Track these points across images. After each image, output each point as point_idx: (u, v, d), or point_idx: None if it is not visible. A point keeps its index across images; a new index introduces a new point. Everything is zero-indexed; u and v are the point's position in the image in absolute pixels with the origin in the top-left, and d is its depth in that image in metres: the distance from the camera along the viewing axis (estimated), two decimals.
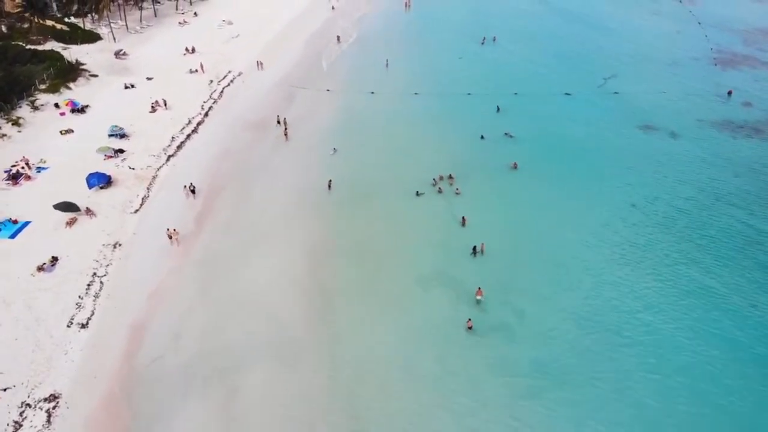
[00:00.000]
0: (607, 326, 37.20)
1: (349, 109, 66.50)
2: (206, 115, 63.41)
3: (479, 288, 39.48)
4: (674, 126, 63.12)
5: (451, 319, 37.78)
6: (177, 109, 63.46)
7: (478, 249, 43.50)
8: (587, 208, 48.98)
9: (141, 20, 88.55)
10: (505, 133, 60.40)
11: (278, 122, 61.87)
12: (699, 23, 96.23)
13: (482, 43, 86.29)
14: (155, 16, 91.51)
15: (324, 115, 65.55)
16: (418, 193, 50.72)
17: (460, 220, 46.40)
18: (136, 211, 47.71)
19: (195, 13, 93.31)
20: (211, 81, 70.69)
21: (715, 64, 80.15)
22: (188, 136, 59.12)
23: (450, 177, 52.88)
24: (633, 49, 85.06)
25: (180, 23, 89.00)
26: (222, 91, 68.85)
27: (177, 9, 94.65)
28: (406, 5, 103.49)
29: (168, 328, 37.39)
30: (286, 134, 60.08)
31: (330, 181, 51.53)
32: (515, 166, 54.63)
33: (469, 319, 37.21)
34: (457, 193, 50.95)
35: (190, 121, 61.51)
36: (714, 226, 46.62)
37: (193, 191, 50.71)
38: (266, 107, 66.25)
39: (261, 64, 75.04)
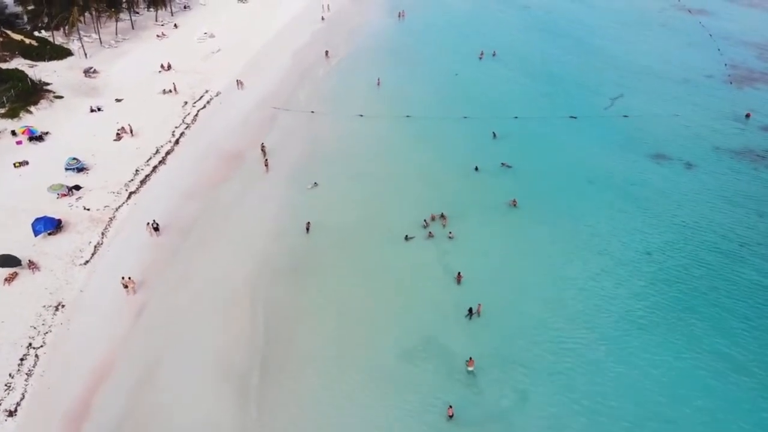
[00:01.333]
0: (625, 415, 31.72)
1: (334, 135, 61.01)
2: (177, 142, 57.85)
3: (470, 358, 34.11)
4: (689, 155, 57.67)
5: (433, 405, 32.26)
6: (145, 137, 57.90)
7: (474, 310, 38.07)
8: (598, 257, 43.57)
9: (116, 33, 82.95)
10: (502, 164, 55.00)
11: (262, 150, 56.44)
12: (710, 35, 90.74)
13: (480, 58, 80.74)
14: (132, 28, 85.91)
15: (307, 141, 60.07)
16: (407, 237, 45.32)
17: (455, 276, 40.83)
18: (87, 262, 42.20)
19: (175, 25, 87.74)
20: (186, 102, 65.14)
21: (730, 82, 74.68)
22: (154, 168, 53.57)
23: (442, 216, 47.54)
24: (641, 64, 79.56)
25: (158, 36, 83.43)
26: (197, 115, 63.28)
27: (156, 20, 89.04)
28: (400, 15, 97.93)
29: (110, 415, 31.92)
30: (266, 164, 54.60)
31: (308, 224, 46.03)
32: (514, 204, 49.26)
33: (450, 406, 31.69)
34: (450, 237, 45.56)
35: (158, 151, 55.96)
36: (740, 282, 41.17)
37: (156, 228, 45.48)
38: (244, 133, 60.72)
39: (241, 83, 69.50)
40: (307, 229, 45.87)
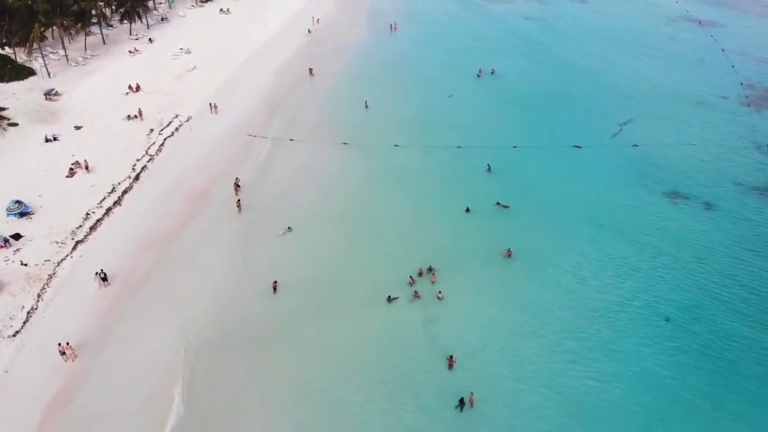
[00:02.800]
0: None
1: (314, 168, 55.10)
2: (137, 178, 51.91)
3: None
4: (708, 193, 51.67)
5: None
6: (101, 172, 51.99)
7: (467, 400, 32.17)
8: (609, 325, 37.57)
9: (86, 49, 77.06)
10: (497, 203, 49.06)
11: (235, 187, 50.54)
12: (723, 50, 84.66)
13: (479, 76, 74.72)
14: (104, 43, 80.00)
15: (284, 175, 54.21)
16: (390, 299, 39.44)
17: (446, 360, 34.73)
18: (17, 333, 36.34)
19: (150, 39, 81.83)
20: (151, 130, 59.21)
21: (748, 105, 68.64)
22: (108, 210, 47.66)
23: (430, 270, 41.68)
24: (651, 84, 73.51)
25: (130, 52, 77.48)
26: (162, 144, 57.32)
27: (131, 34, 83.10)
28: (392, 28, 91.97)
29: None
30: (239, 205, 48.64)
31: (275, 283, 40.06)
32: (509, 254, 43.33)
33: None
34: (439, 298, 39.65)
35: (114, 189, 50.05)
36: None
37: (104, 279, 40.09)
38: (214, 165, 54.81)
39: (215, 106, 63.55)
40: (275, 288, 39.94)
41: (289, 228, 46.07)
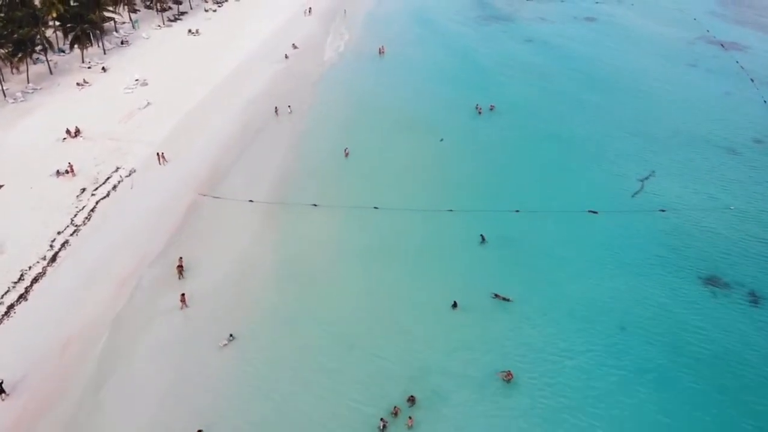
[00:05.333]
0: None
1: (270, 243, 45.45)
2: (53, 259, 42.30)
3: None
4: (753, 280, 41.92)
5: None
6: (11, 252, 42.42)
7: None
8: None
9: (28, 81, 67.54)
10: (495, 295, 39.48)
11: (178, 270, 41.21)
12: (751, 80, 75.06)
13: (479, 113, 65.09)
14: (51, 73, 70.50)
15: (237, 252, 44.44)
16: None
17: None
18: None
19: (103, 68, 72.29)
20: (83, 190, 49.65)
21: None
22: (9, 309, 38.09)
23: (411, 401, 32.17)
24: (672, 125, 63.78)
25: (79, 84, 67.91)
26: (94, 209, 47.74)
27: (83, 61, 73.55)
28: (380, 51, 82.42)
29: None
30: (183, 300, 38.95)
31: (200, 431, 30.49)
32: (509, 377, 33.79)
33: None
34: None
35: (22, 277, 40.49)
36: None
37: (2, 391, 31.85)
38: (154, 238, 45.18)
39: (163, 156, 53.99)
40: None
41: (231, 336, 36.48)
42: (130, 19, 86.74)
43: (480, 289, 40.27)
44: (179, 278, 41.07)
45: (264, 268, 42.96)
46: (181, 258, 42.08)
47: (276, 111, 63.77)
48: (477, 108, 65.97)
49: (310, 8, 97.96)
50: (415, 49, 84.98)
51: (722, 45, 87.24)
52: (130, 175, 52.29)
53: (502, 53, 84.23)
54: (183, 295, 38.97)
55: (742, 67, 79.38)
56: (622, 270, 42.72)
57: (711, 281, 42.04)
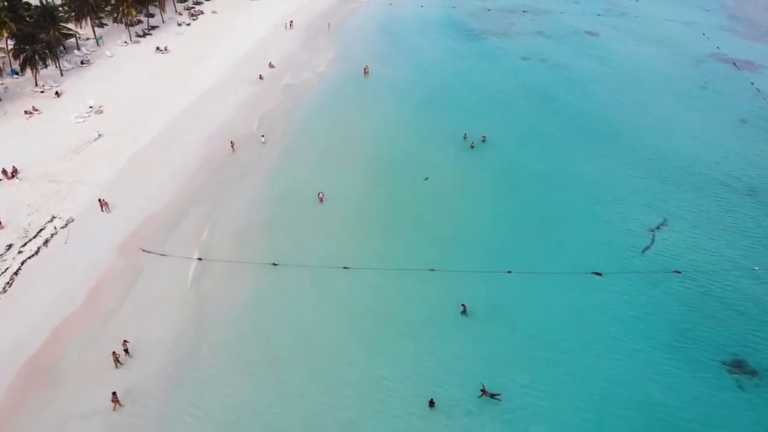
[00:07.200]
0: None
1: (221, 320, 38.56)
2: None
3: None
4: None
5: None
6: None
7: None
8: None
9: None
10: (481, 391, 32.70)
11: (124, 351, 34.89)
12: None
13: (472, 147, 58.36)
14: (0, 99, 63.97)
15: (185, 323, 37.86)
16: None
17: None
18: None
19: (57, 93, 65.54)
20: (9, 246, 42.95)
21: None
22: None
23: None
24: (683, 159, 57.11)
25: (27, 112, 61.18)
26: (17, 272, 40.95)
27: (36, 84, 66.84)
28: (365, 72, 75.81)
29: None
30: (115, 400, 32.08)
31: None
32: None
33: None
34: None
35: None
36: None
37: None
38: (87, 310, 38.46)
39: (105, 204, 47.32)
40: None
41: None
42: (95, 34, 79.99)
43: (463, 381, 33.69)
44: (115, 367, 34.45)
45: (209, 349, 36.28)
46: (125, 342, 35.24)
47: (232, 146, 56.84)
48: (465, 137, 59.47)
49: (291, 22, 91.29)
50: (403, 68, 78.33)
51: (734, 64, 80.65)
52: (66, 225, 45.62)
53: (497, 73, 77.67)
54: (114, 394, 32.19)
55: (757, 89, 72.83)
56: (634, 352, 36.07)
57: (736, 367, 35.42)
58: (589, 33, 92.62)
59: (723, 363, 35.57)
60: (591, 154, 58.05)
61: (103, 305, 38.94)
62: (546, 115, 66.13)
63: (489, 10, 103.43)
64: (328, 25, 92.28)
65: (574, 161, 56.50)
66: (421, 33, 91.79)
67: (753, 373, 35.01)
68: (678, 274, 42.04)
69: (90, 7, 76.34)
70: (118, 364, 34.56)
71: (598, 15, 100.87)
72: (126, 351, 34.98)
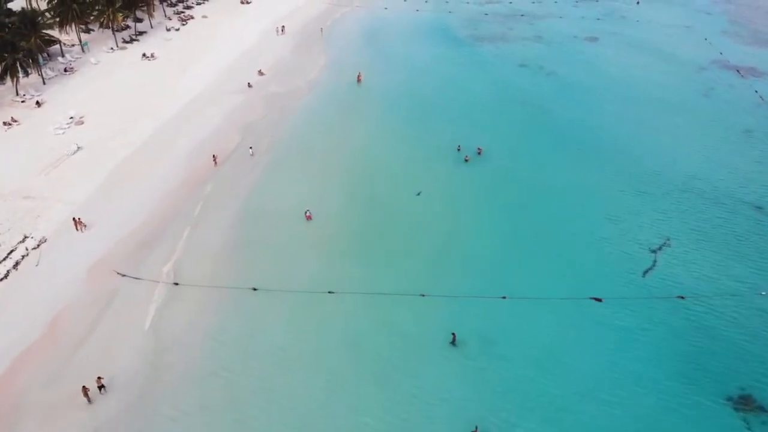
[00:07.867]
0: None
1: (197, 350, 36.27)
2: None
3: None
4: None
5: None
6: None
7: None
8: None
9: None
10: None
11: (99, 387, 32.60)
12: None
13: (466, 161, 56.14)
14: None
15: (151, 366, 35.43)
16: None
17: None
18: None
19: (38, 103, 63.35)
20: None
21: None
22: None
23: None
24: (685, 176, 54.33)
25: (6, 123, 59.00)
26: None
27: (17, 94, 64.57)
28: (358, 79, 73.64)
29: None
30: None
31: None
32: None
33: None
34: None
35: None
36: None
37: None
38: (57, 342, 36.25)
39: (80, 222, 45.10)
40: None
41: None
42: (80, 40, 77.75)
43: (451, 426, 31.40)
44: (88, 402, 32.24)
45: (184, 385, 34.08)
46: (100, 378, 32.95)
47: (215, 160, 54.54)
48: (459, 149, 57.34)
49: (283, 26, 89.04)
50: (397, 75, 76.18)
51: (738, 71, 78.38)
52: (38, 246, 43.41)
53: (494, 81, 75.44)
54: None
55: (761, 98, 70.56)
56: (637, 384, 33.89)
57: (743, 402, 33.22)
58: (589, 39, 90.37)
59: (729, 400, 33.35)
60: (591, 169, 55.65)
61: (70, 334, 36.69)
62: (543, 127, 63.82)
63: (486, 14, 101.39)
64: (321, 30, 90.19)
65: (573, 177, 54.13)
66: (416, 38, 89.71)
67: (758, 408, 32.80)
68: (682, 300, 39.79)
69: (74, 12, 74.11)
70: (89, 401, 32.33)
71: (598, 19, 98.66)
72: (100, 387, 32.71)
